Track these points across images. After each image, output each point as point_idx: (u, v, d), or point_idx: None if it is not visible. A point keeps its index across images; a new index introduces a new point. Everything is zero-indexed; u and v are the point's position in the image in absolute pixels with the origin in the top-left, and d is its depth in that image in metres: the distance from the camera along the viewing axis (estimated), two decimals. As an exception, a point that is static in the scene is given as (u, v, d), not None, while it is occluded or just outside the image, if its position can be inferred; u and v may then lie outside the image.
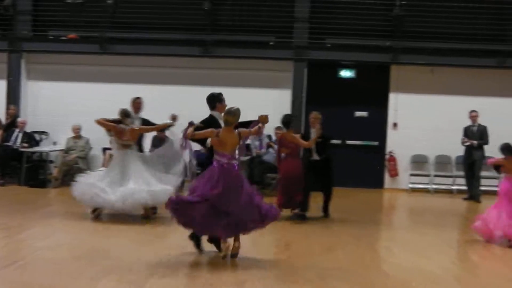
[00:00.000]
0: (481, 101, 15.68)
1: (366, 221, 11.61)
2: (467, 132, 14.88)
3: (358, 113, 16.71)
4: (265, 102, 15.73)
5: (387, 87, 16.42)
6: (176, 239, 8.79)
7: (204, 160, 8.46)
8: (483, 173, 15.08)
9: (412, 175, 16.21)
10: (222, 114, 7.99)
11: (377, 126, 16.53)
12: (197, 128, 7.89)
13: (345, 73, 16.71)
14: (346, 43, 15.91)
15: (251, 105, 15.87)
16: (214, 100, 8.42)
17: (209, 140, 7.98)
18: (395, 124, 16.37)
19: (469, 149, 14.76)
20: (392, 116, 16.42)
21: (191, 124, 7.93)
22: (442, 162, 16.28)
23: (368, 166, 16.54)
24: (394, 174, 16.36)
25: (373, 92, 16.55)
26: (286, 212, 10.93)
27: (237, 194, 7.73)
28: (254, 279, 7.05)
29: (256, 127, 7.96)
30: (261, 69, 16.25)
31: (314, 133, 11.00)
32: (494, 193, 15.55)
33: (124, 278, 6.88)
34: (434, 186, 16.12)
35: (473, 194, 14.74)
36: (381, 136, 16.55)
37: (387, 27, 15.89)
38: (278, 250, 9.02)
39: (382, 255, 9.08)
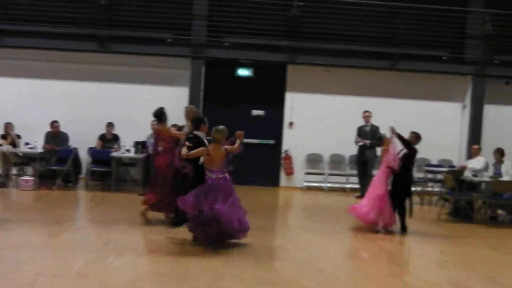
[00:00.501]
0: (374, 101, 16.19)
1: (260, 219, 11.66)
2: (360, 132, 15.28)
3: (255, 112, 16.82)
4: (162, 99, 15.57)
5: (284, 86, 16.62)
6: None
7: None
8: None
9: (307, 173, 16.47)
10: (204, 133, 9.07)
11: (274, 125, 16.71)
12: (189, 148, 8.62)
13: (243, 72, 16.79)
14: (244, 42, 15.96)
15: (148, 102, 15.83)
16: (200, 122, 9.33)
17: (202, 158, 8.71)
18: (291, 123, 16.60)
19: (362, 149, 15.16)
20: (288, 115, 16.64)
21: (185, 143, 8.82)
22: (336, 161, 16.64)
23: (265, 165, 16.69)
24: (290, 172, 16.59)
25: (270, 91, 16.74)
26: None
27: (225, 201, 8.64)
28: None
29: (237, 144, 9.03)
30: (158, 66, 16.11)
31: (187, 127, 10.47)
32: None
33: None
34: (329, 185, 16.46)
35: (365, 192, 15.10)
36: (277, 135, 16.74)
37: (284, 27, 16.06)
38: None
39: (276, 253, 9.16)
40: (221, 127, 8.75)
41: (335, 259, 8.80)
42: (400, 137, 10.75)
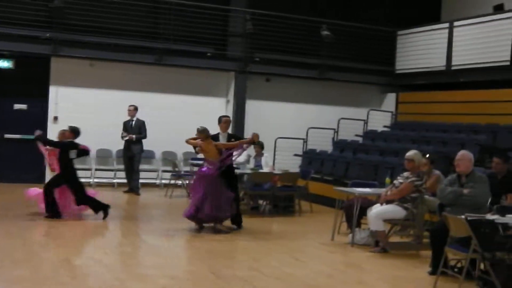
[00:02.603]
0: (140, 96, 16.26)
1: (24, 216, 11.25)
2: (126, 127, 15.21)
3: (17, 106, 16.10)
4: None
5: (47, 79, 16.07)
6: None
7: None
8: (142, 167, 15.64)
9: (74, 169, 16.08)
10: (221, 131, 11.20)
11: (38, 120, 16.06)
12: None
13: (3, 64, 15.92)
14: (3, 31, 15.14)
15: None
16: (219, 121, 11.40)
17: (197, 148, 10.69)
18: (55, 118, 16.09)
19: (128, 143, 15.11)
20: (52, 109, 16.11)
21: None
22: (103, 156, 16.47)
23: (29, 161, 16.02)
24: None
25: (33, 84, 16.10)
26: None
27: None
28: None
29: (236, 142, 10.89)
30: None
31: None
32: (152, 185, 16.42)
33: None
34: (96, 180, 16.22)
35: (133, 186, 15.18)
36: (42, 130, 16.06)
37: (48, 18, 15.50)
38: None
39: (35, 249, 8.88)
40: (202, 127, 10.48)
41: (97, 254, 8.72)
42: None
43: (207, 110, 17.31)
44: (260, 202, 13.62)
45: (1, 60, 15.88)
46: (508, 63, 14.78)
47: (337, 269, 8.62)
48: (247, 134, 16.73)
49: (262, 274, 7.92)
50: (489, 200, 8.50)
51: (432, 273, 8.03)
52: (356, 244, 9.98)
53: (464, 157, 8.40)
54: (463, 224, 7.19)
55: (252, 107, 17.50)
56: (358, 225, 10.33)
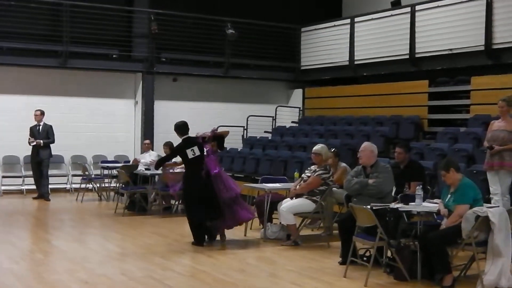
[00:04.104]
0: (46, 100, 15.96)
1: None
2: (33, 132, 14.87)
3: None
4: None
5: None
6: None
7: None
8: (51, 172, 15.35)
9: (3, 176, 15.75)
10: None
11: None
12: None
13: None
14: None
15: None
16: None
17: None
18: (-43, 125, 15.62)
19: (36, 149, 14.79)
20: (-47, 117, 15.63)
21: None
22: (11, 162, 16.04)
23: None
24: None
25: None
26: None
27: None
28: None
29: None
30: None
31: None
32: (63, 190, 16.15)
33: None
34: (4, 187, 15.85)
35: (42, 192, 14.87)
36: None
37: None
38: None
39: None
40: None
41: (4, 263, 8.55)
42: None
43: (116, 112, 17.24)
44: (172, 202, 13.62)
45: None
46: (407, 56, 15.35)
47: (250, 263, 8.76)
48: (157, 135, 16.77)
49: (175, 273, 7.98)
50: (393, 190, 8.85)
51: (342, 263, 8.28)
52: (268, 238, 10.16)
53: (366, 148, 8.70)
54: (368, 214, 7.48)
55: (161, 107, 17.45)
56: (270, 220, 10.52)
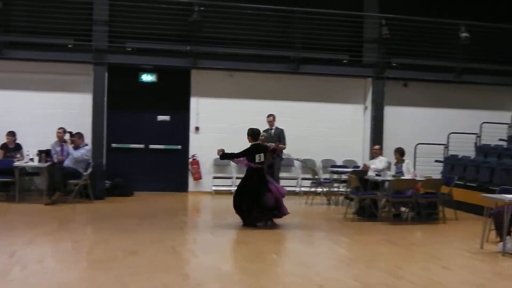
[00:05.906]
0: (278, 104, 16.52)
1: (169, 224, 11.63)
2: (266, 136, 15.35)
3: (161, 117, 16.72)
4: (66, 107, 15.46)
5: (188, 91, 16.61)
6: None
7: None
8: (282, 175, 15.74)
9: (215, 177, 16.54)
10: None
11: (180, 130, 16.67)
12: None
13: (147, 77, 16.67)
14: (147, 47, 15.82)
15: (53, 111, 15.49)
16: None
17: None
18: (197, 128, 16.60)
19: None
20: (194, 120, 16.65)
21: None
22: (221, 164, 16.60)
23: (172, 170, 16.62)
24: (198, 177, 16.57)
25: (175, 96, 16.71)
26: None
27: None
28: None
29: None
30: (60, 72, 15.72)
31: None
32: (291, 193, 16.45)
33: None
34: (214, 188, 16.68)
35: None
36: (184, 140, 16.71)
37: (186, 32, 16.00)
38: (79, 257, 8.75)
39: (185, 257, 9.13)
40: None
41: (241, 262, 8.84)
42: None
43: (344, 117, 17.30)
44: (402, 209, 13.33)
45: (145, 74, 16.60)
46: None
47: (488, 278, 8.25)
48: (386, 140, 16.55)
49: (409, 282, 7.73)
50: None
51: None
52: (507, 253, 9.53)
53: None
54: None
55: (390, 112, 17.23)
56: (509, 233, 9.87)
